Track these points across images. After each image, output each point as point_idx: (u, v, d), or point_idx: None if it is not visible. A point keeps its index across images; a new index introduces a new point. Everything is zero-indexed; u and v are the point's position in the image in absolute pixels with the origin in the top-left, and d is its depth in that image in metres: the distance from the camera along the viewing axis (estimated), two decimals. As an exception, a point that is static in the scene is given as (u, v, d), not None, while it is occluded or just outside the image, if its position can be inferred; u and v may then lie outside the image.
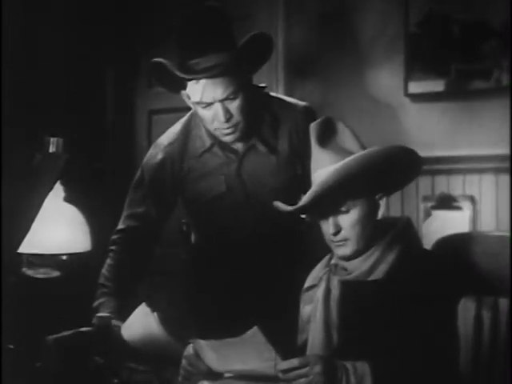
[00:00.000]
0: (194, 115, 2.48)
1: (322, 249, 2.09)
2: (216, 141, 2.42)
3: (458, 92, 3.54)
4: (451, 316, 1.90)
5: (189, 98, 2.32)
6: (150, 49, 4.09)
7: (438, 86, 3.59)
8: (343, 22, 3.81)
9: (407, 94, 3.66)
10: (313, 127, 2.01)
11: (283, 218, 2.50)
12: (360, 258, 1.96)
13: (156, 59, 2.29)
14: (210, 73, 2.22)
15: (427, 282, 1.88)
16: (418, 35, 3.63)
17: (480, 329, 2.13)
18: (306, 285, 2.08)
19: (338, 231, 1.95)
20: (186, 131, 2.49)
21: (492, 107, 3.43)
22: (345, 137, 1.99)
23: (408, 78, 3.64)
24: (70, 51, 3.97)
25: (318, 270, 2.08)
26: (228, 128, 2.31)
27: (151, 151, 2.54)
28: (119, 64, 4.39)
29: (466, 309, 2.06)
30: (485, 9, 3.48)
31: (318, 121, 2.02)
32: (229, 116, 2.28)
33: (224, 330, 2.30)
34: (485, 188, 3.47)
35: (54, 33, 3.84)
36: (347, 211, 1.94)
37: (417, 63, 3.63)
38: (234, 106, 2.28)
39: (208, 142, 2.44)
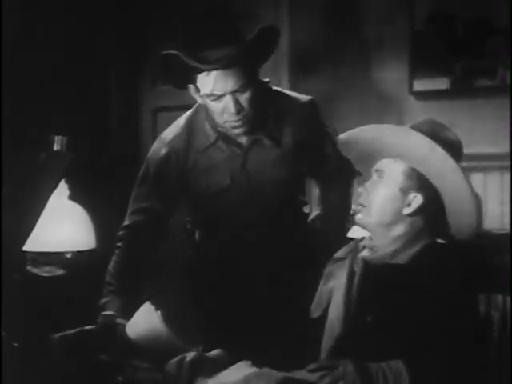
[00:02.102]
0: (198, 110, 2.49)
1: (327, 245, 2.11)
2: (220, 135, 2.43)
3: (463, 90, 3.54)
4: (463, 312, 1.90)
5: (198, 91, 2.32)
6: (153, 47, 4.10)
7: (442, 83, 3.59)
8: (348, 20, 3.81)
9: (412, 92, 3.66)
10: (425, 120, 2.03)
11: (287, 211, 2.52)
12: (387, 241, 1.99)
13: (168, 51, 2.28)
14: (224, 62, 2.22)
15: (445, 277, 1.89)
16: (423, 33, 3.63)
17: (489, 327, 2.12)
18: (335, 256, 2.11)
19: (362, 192, 2.02)
20: (190, 126, 2.50)
21: (497, 105, 3.43)
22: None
23: (413, 75, 3.65)
24: (73, 50, 3.97)
25: (348, 246, 2.11)
26: (237, 120, 2.32)
27: (155, 146, 2.54)
28: (123, 62, 4.39)
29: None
30: (489, 7, 3.48)
31: (428, 119, 2.04)
32: (239, 108, 2.29)
33: (229, 327, 2.31)
34: (490, 186, 3.47)
35: (55, 32, 3.84)
36: (377, 181, 1.99)
37: (422, 61, 3.63)
38: (244, 98, 2.29)
39: (213, 137, 2.45)
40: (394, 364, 1.79)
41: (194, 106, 2.52)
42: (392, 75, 3.71)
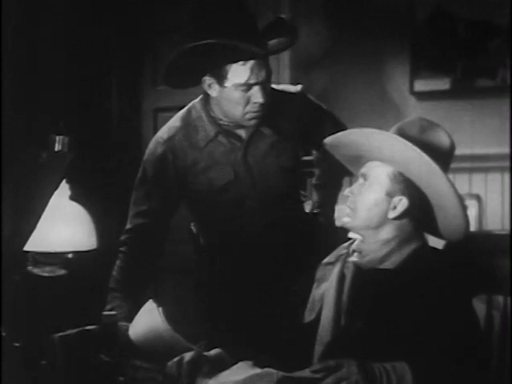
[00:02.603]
0: (192, 108, 2.51)
1: (329, 237, 2.11)
2: (221, 129, 2.45)
3: (464, 90, 3.54)
4: (460, 313, 1.90)
5: (220, 82, 2.33)
6: (153, 47, 4.11)
7: (443, 84, 3.59)
8: (349, 20, 3.81)
9: (413, 93, 3.66)
10: (411, 119, 2.04)
11: (290, 206, 2.52)
12: (377, 245, 1.98)
13: (207, 41, 2.26)
14: (268, 50, 2.32)
15: (438, 280, 1.90)
16: (424, 34, 3.63)
17: (490, 328, 2.13)
18: (325, 261, 2.12)
19: (349, 195, 2.01)
20: (187, 124, 2.51)
21: (498, 105, 3.43)
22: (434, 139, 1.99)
23: (414, 76, 3.65)
24: (74, 50, 3.97)
25: (339, 250, 2.12)
26: (259, 111, 2.36)
27: (151, 146, 2.55)
28: (123, 62, 4.39)
29: (477, 308, 2.06)
30: (490, 7, 3.48)
31: (417, 118, 2.04)
32: (266, 98, 2.33)
33: (229, 326, 2.31)
34: (490, 187, 3.47)
35: (56, 32, 3.84)
36: (364, 183, 1.99)
37: (422, 62, 3.63)
38: (268, 88, 2.36)
39: (212, 132, 2.46)
40: (398, 365, 1.79)
41: (187, 106, 2.54)
42: (393, 75, 3.71)
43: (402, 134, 1.96)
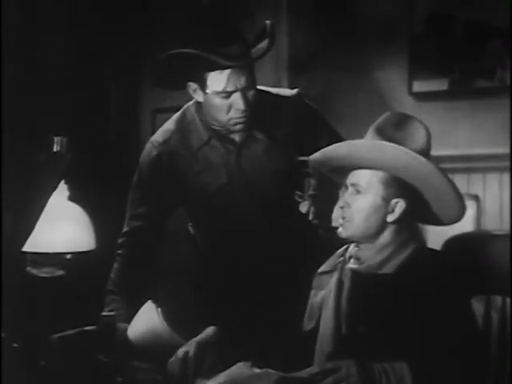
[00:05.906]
0: (187, 111, 2.51)
1: (327, 241, 2.11)
2: (214, 133, 2.45)
3: (462, 91, 3.54)
4: (460, 315, 1.90)
5: (201, 89, 2.33)
6: (153, 47, 4.10)
7: (441, 85, 3.60)
8: (347, 21, 3.81)
9: (411, 93, 3.66)
10: (384, 117, 2.02)
11: (284, 206, 2.53)
12: (374, 250, 1.98)
13: (181, 50, 2.28)
14: (247, 59, 2.29)
15: (437, 282, 1.89)
16: (423, 34, 3.63)
17: (488, 328, 2.13)
18: (321, 270, 2.10)
19: (343, 206, 1.99)
20: (181, 128, 2.51)
21: (496, 106, 3.44)
22: (414, 138, 1.98)
23: (412, 77, 3.65)
24: (73, 50, 3.97)
25: (334, 258, 2.10)
26: (242, 117, 2.35)
27: (146, 149, 2.55)
28: (122, 63, 4.39)
29: (475, 309, 2.06)
30: (488, 8, 3.49)
31: (390, 114, 2.03)
32: (247, 105, 2.32)
33: (228, 326, 2.32)
34: (489, 187, 3.48)
35: (55, 33, 3.85)
36: (355, 193, 1.97)
37: (421, 62, 3.64)
38: (250, 95, 2.34)
39: (205, 136, 2.47)
40: (397, 366, 1.80)
41: (182, 109, 2.54)
42: (391, 76, 3.71)
43: (379, 133, 1.96)
